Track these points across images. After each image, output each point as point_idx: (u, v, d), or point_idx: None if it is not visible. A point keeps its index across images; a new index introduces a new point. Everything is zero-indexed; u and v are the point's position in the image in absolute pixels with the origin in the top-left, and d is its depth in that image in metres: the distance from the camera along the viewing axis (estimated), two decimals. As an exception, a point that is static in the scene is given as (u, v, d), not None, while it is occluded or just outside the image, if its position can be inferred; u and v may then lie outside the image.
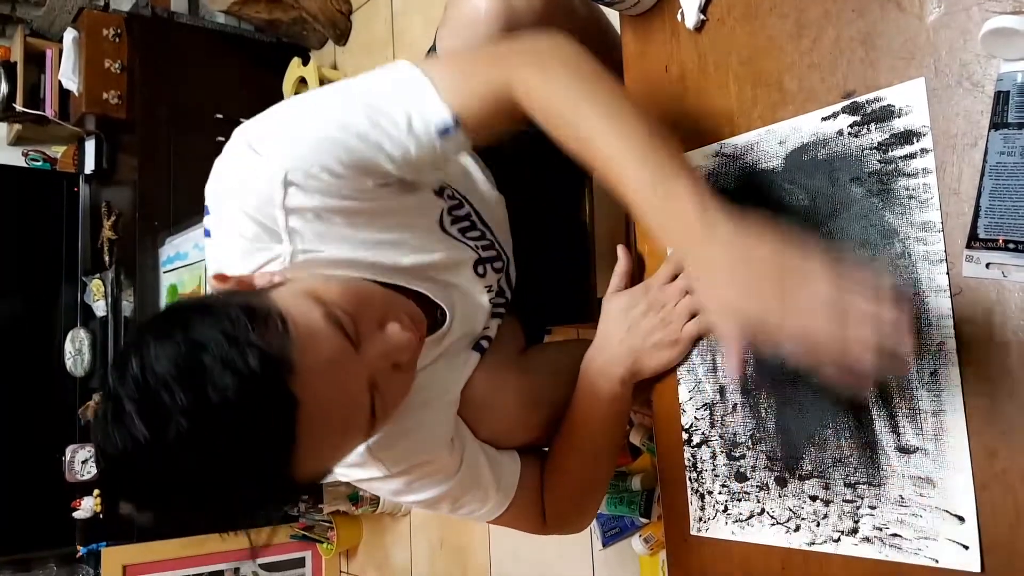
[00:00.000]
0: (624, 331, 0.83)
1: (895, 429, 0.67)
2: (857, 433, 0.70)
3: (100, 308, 2.46)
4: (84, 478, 2.24)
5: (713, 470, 0.80)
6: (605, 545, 1.46)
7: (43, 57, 2.60)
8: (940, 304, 0.64)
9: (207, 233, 0.76)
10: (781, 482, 0.75)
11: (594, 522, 1.43)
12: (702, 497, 0.81)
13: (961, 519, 0.63)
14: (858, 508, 0.70)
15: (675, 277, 0.82)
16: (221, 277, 0.68)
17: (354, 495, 2.19)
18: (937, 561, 0.64)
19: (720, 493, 0.80)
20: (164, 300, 2.27)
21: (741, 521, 0.78)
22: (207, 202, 0.74)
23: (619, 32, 0.91)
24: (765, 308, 0.60)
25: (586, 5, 0.97)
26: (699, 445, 0.82)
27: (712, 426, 0.81)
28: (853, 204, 0.70)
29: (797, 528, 0.74)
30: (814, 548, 0.72)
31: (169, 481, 0.57)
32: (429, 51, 0.99)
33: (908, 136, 0.67)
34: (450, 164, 0.92)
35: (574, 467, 0.90)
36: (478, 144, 0.75)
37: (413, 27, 2.36)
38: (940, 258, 0.65)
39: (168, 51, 2.48)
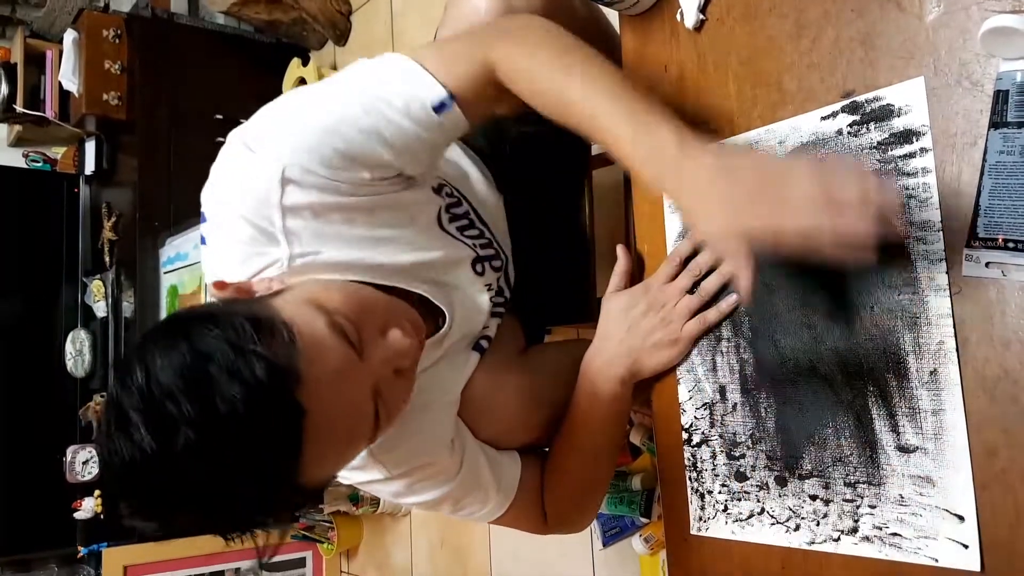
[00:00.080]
0: (624, 331, 0.83)
1: (895, 428, 0.67)
2: (857, 432, 0.70)
3: (100, 309, 2.46)
4: (85, 479, 2.24)
5: (713, 470, 0.80)
6: (605, 545, 1.46)
7: (43, 58, 2.60)
8: (939, 303, 0.64)
9: (203, 241, 0.75)
10: (781, 481, 0.75)
11: (594, 522, 1.43)
12: (702, 497, 0.81)
13: (961, 518, 0.63)
14: (858, 507, 0.70)
15: (675, 277, 0.82)
16: (220, 284, 0.68)
17: (354, 495, 2.19)
18: (937, 560, 0.64)
19: (720, 493, 0.80)
20: (164, 301, 2.28)
21: (741, 520, 0.78)
22: (203, 209, 0.74)
23: (618, 32, 0.91)
24: (759, 215, 0.61)
25: (586, 5, 0.97)
26: (699, 445, 0.82)
27: (712, 426, 0.81)
28: (852, 203, 0.70)
29: (797, 527, 0.74)
30: (814, 547, 0.72)
31: (175, 492, 0.57)
32: (429, 51, 0.99)
33: (907, 135, 0.67)
34: (449, 165, 0.92)
35: (574, 467, 0.90)
36: (473, 123, 0.76)
37: (413, 27, 2.36)
38: (939, 257, 0.65)
39: (168, 52, 2.48)
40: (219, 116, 2.38)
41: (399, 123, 0.70)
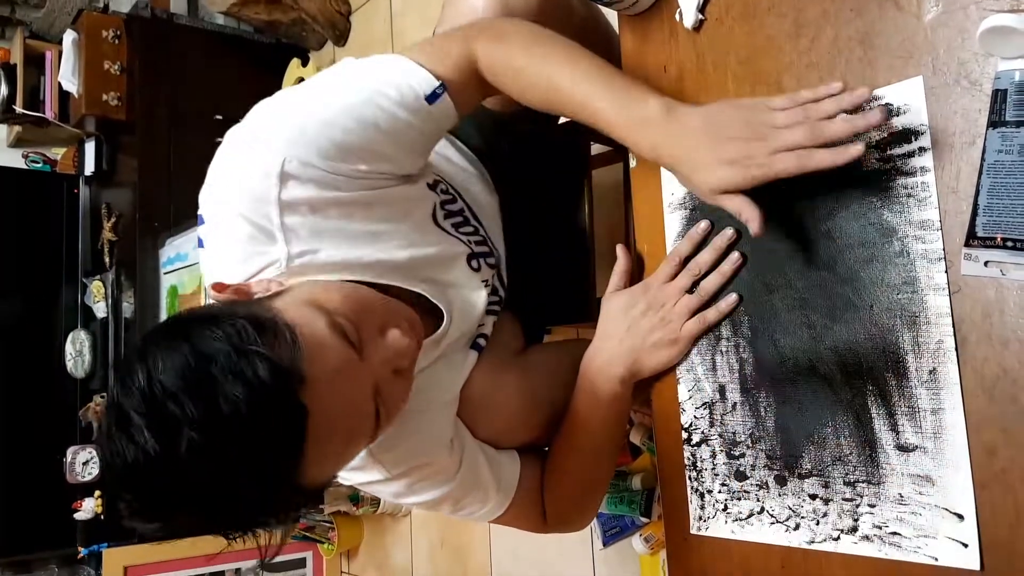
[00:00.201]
0: (624, 330, 0.84)
1: (894, 427, 0.67)
2: (856, 431, 0.70)
3: (100, 309, 2.47)
4: (85, 479, 2.24)
5: (713, 469, 0.80)
6: (606, 544, 1.46)
7: (43, 59, 2.60)
8: (939, 302, 0.65)
9: (200, 243, 0.75)
10: (781, 481, 0.75)
11: (595, 522, 1.43)
12: (702, 496, 0.81)
13: (960, 517, 0.63)
14: (857, 506, 0.70)
15: (674, 276, 0.82)
16: (219, 286, 0.68)
17: (355, 495, 2.19)
18: (937, 559, 0.65)
19: (720, 492, 0.80)
20: (164, 301, 2.28)
21: (741, 520, 0.78)
22: (200, 211, 0.74)
23: (617, 32, 0.91)
24: (748, 153, 0.66)
25: (584, 4, 0.97)
26: (699, 444, 0.82)
27: (712, 425, 0.81)
28: (851, 203, 0.70)
29: (797, 527, 0.74)
30: (814, 547, 0.72)
31: (178, 493, 0.57)
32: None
33: (906, 135, 0.67)
34: (445, 163, 0.93)
35: (574, 467, 0.90)
36: (462, 115, 0.79)
37: (412, 28, 2.36)
38: (938, 256, 0.65)
39: (168, 52, 2.48)
40: (219, 116, 2.39)
41: (394, 113, 0.72)
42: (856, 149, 0.63)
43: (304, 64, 2.62)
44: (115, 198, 2.56)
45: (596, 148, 1.24)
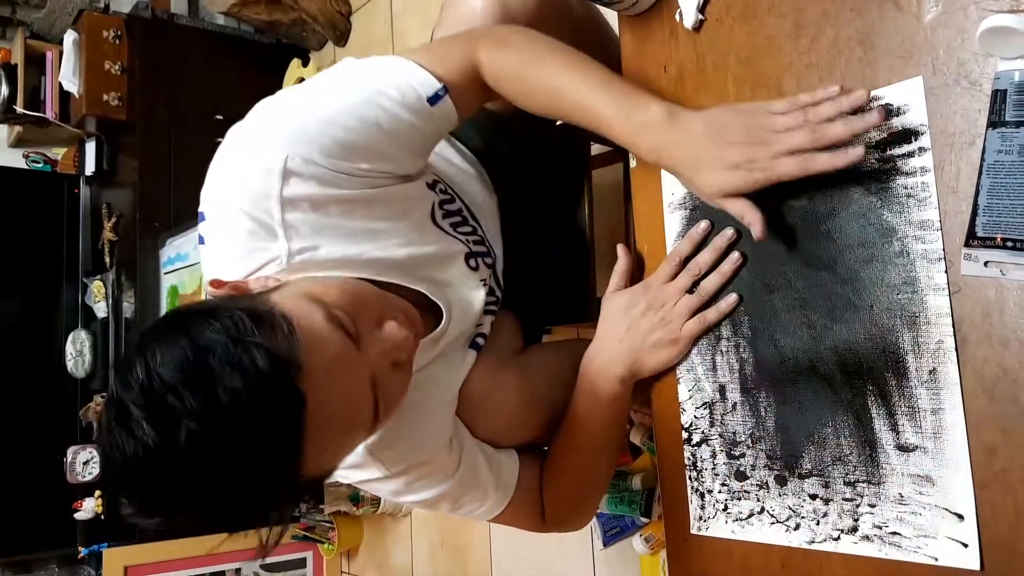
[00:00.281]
0: (624, 330, 0.84)
1: (894, 427, 0.67)
2: (856, 431, 0.70)
3: (101, 309, 2.47)
4: (85, 479, 2.24)
5: (713, 469, 0.80)
6: (606, 545, 1.46)
7: (43, 59, 2.60)
8: (938, 302, 0.65)
9: (201, 240, 0.76)
10: (781, 481, 0.75)
11: (595, 521, 1.43)
12: (702, 496, 0.81)
13: (960, 517, 0.63)
14: (858, 506, 0.70)
15: (674, 276, 0.82)
16: (216, 283, 0.69)
17: (355, 495, 2.20)
18: (937, 559, 0.65)
19: (720, 492, 0.80)
20: (165, 301, 2.28)
21: (741, 520, 0.78)
22: (201, 208, 0.74)
23: (617, 32, 0.91)
24: (750, 157, 0.68)
25: (583, 4, 0.97)
26: (699, 444, 0.82)
27: (712, 425, 0.81)
28: (851, 203, 0.70)
29: (797, 527, 0.74)
30: (814, 547, 0.72)
31: (179, 485, 0.57)
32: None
33: (906, 135, 0.67)
34: (444, 164, 0.93)
35: (573, 467, 0.90)
36: (462, 117, 0.79)
37: (412, 28, 2.37)
38: (938, 256, 0.65)
39: (168, 53, 2.48)
40: (219, 117, 2.39)
41: (396, 113, 0.73)
42: (856, 152, 0.65)
43: (304, 64, 2.62)
44: (116, 198, 2.56)
45: (596, 148, 1.25)
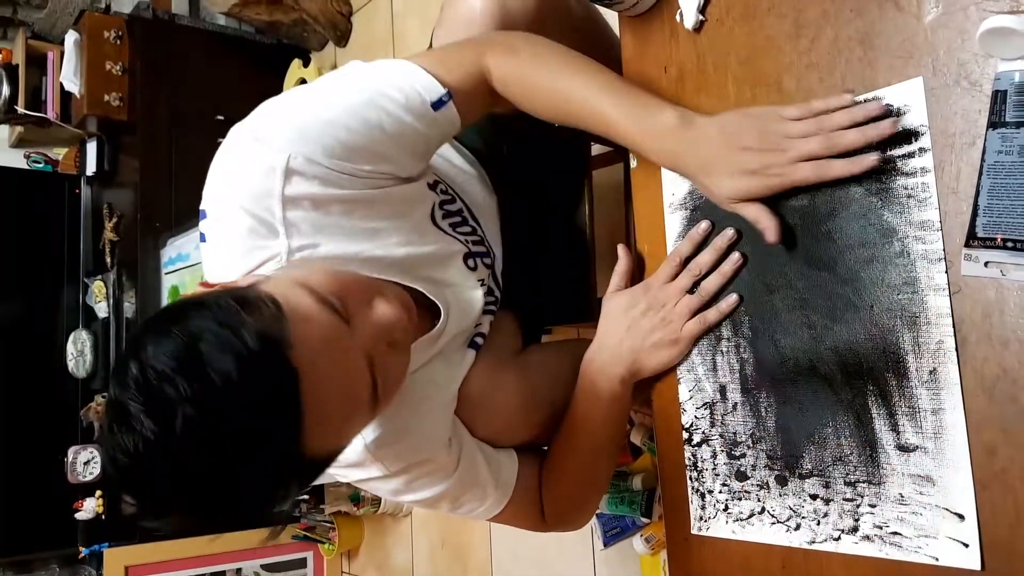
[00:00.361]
0: (624, 330, 0.84)
1: (895, 427, 0.67)
2: (857, 431, 0.70)
3: (102, 309, 2.47)
4: (86, 479, 2.25)
5: (713, 469, 0.80)
6: (606, 545, 1.47)
7: (45, 59, 2.61)
8: (939, 303, 0.65)
9: (203, 238, 0.76)
10: (781, 481, 0.75)
11: (595, 522, 1.43)
12: (703, 496, 0.81)
13: (961, 517, 0.63)
14: (858, 506, 0.70)
15: (675, 277, 0.82)
16: (206, 285, 0.69)
17: (356, 496, 2.20)
18: (937, 559, 0.65)
19: (720, 492, 0.80)
20: (166, 301, 2.28)
21: (741, 520, 0.78)
22: (203, 206, 0.75)
23: (617, 33, 0.91)
24: (766, 163, 0.69)
25: (583, 5, 0.97)
26: (699, 444, 0.82)
27: (712, 425, 0.81)
28: (852, 203, 0.70)
29: (797, 527, 0.74)
30: (814, 547, 0.72)
31: (182, 474, 0.56)
32: (426, 52, 0.99)
33: (906, 135, 0.67)
34: (445, 164, 0.93)
35: (573, 467, 0.90)
36: (465, 123, 0.80)
37: (413, 29, 2.37)
38: (939, 257, 0.65)
39: (169, 53, 2.49)
40: (220, 117, 2.39)
41: (399, 116, 0.73)
42: (871, 159, 0.66)
43: (305, 65, 2.63)
44: (116, 198, 2.56)
45: (596, 148, 1.25)
